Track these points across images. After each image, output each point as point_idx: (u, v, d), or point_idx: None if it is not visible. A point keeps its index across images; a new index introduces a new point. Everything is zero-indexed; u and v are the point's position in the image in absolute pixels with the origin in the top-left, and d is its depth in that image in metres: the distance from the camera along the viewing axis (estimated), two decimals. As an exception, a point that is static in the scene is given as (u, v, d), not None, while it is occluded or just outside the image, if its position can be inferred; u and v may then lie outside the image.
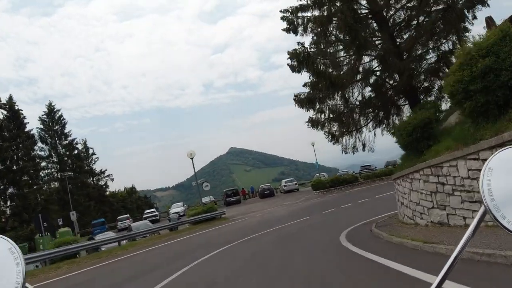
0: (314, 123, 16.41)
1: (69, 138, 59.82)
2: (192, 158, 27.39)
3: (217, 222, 26.11)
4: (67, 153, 59.82)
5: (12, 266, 0.75)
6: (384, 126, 16.62)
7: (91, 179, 64.58)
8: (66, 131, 59.79)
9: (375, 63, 16.11)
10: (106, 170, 65.28)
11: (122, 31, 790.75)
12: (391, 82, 15.66)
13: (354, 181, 37.16)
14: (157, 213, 42.53)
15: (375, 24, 15.76)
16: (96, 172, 65.28)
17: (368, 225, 13.96)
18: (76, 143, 60.78)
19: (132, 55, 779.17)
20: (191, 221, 26.37)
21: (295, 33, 15.70)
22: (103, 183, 65.67)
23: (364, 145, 16.97)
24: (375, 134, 16.65)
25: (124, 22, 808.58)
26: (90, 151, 65.57)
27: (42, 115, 57.48)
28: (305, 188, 47.78)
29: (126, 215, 43.91)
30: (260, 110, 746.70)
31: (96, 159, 65.47)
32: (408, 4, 15.34)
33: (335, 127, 16.60)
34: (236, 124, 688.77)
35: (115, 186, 75.98)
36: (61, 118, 60.40)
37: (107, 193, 66.11)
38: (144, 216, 42.14)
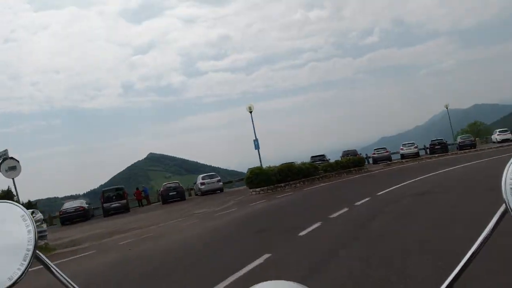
0: None
1: None
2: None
3: None
4: None
5: (24, 233, 0.73)
6: None
7: None
8: None
9: None
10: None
11: (36, 21, 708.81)
12: None
13: (313, 173, 23.12)
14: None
15: None
16: None
17: None
18: None
19: (45, 49, 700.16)
20: None
21: None
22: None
23: None
24: None
25: (39, 12, 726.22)
26: None
27: None
28: (233, 188, 32.81)
29: None
30: (182, 116, 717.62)
31: None
32: None
33: None
34: (157, 129, 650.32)
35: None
36: None
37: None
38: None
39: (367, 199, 12.56)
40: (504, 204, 0.68)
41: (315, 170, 23.53)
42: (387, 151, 35.55)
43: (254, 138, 21.46)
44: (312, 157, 32.50)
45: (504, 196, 0.67)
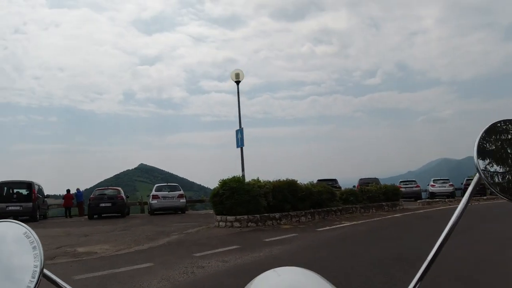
0: None
1: None
2: None
3: None
4: None
5: (29, 250, 0.70)
6: None
7: None
8: None
9: None
10: None
11: (49, 17, 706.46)
12: None
13: (328, 202, 14.01)
14: None
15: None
16: None
17: None
18: None
19: (53, 46, 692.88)
20: None
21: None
22: None
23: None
24: None
25: (54, 9, 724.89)
26: None
27: None
28: (203, 211, 23.51)
29: None
30: (178, 131, 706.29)
31: None
32: None
33: None
34: (150, 140, 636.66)
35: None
36: None
37: None
38: None
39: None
40: (477, 174, 0.75)
41: (331, 196, 14.41)
42: (417, 186, 26.60)
43: (238, 128, 12.29)
44: (320, 180, 23.25)
45: (477, 166, 0.75)
